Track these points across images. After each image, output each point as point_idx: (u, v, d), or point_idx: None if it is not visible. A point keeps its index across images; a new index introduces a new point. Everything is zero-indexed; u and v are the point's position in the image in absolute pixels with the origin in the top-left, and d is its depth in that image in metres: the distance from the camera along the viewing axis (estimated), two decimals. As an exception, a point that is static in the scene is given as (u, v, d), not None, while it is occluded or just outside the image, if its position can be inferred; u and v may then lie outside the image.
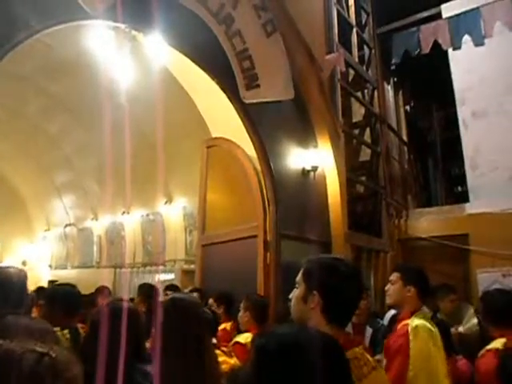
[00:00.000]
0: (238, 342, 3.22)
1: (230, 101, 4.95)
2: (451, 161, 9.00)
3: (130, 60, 5.46)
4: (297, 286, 1.56)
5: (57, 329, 2.09)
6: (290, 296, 1.58)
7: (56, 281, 11.59)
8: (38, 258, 13.23)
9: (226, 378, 1.98)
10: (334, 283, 1.47)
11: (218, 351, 2.72)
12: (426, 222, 7.50)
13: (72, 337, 2.41)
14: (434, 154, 9.22)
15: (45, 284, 10.05)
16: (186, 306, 1.93)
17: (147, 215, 10.42)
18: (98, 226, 11.69)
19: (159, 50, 4.76)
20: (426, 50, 5.73)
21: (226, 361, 2.77)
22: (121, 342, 1.53)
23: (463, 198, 7.73)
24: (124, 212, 10.78)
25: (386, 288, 2.61)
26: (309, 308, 1.47)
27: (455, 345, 3.41)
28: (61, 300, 2.58)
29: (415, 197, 8.53)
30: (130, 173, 7.28)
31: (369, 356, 1.51)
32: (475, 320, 4.14)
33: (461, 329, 4.25)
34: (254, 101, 4.88)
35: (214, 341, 3.01)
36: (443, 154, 9.09)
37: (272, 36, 5.15)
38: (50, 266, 13.25)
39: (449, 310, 4.32)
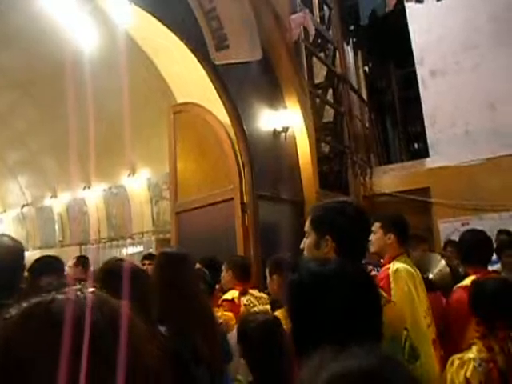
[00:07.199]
0: (225, 299, 3.29)
1: (200, 63, 4.85)
2: (410, 119, 9.29)
3: (88, 23, 5.19)
4: (306, 235, 1.59)
5: None
6: (301, 246, 1.60)
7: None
8: (-5, 241, 12.69)
9: (239, 324, 2.05)
10: (344, 224, 1.51)
11: (215, 308, 2.79)
12: (390, 178, 7.80)
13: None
14: (393, 112, 9.48)
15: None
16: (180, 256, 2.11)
17: (110, 189, 10.20)
18: (58, 204, 11.33)
19: (122, 11, 4.57)
20: (391, 6, 5.84)
21: (225, 314, 2.84)
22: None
23: (422, 154, 8.06)
24: (85, 187, 10.49)
25: (370, 238, 2.74)
26: (323, 253, 1.50)
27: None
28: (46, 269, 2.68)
29: (377, 155, 8.79)
30: (89, 146, 7.05)
31: (383, 292, 1.59)
32: (443, 262, 4.40)
33: (431, 275, 4.52)
34: (224, 62, 4.80)
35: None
36: (402, 112, 9.36)
37: (237, -5, 5.05)
38: (9, 249, 12.77)
39: (418, 260, 4.56)
